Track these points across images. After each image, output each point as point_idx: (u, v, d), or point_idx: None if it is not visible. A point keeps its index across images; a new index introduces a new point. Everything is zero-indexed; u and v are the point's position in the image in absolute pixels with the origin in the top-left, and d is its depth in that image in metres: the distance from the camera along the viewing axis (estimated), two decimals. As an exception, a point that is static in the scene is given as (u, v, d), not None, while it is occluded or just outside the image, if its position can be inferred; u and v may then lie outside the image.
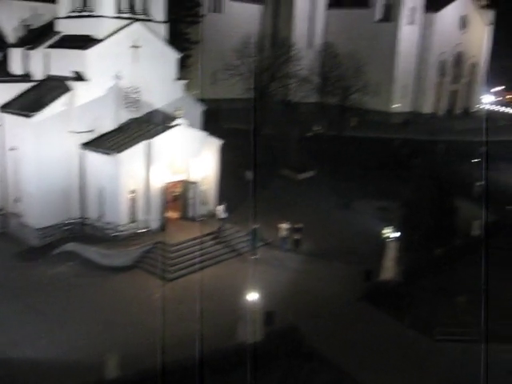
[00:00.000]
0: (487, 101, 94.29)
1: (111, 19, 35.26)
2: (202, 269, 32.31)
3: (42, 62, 36.96)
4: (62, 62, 35.83)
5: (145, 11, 37.29)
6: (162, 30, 38.13)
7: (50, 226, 34.98)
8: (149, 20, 37.27)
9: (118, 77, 35.73)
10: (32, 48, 37.23)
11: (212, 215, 38.14)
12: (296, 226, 36.86)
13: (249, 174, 48.20)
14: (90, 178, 35.26)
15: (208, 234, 35.64)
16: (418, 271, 33.03)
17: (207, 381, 22.60)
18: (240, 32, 74.09)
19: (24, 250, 34.36)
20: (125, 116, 36.77)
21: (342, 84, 68.04)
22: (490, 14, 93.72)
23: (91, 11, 35.57)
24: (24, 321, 26.69)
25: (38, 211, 34.84)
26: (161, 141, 34.46)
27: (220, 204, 37.51)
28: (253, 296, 25.22)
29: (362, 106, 68.23)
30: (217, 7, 80.00)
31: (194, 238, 34.66)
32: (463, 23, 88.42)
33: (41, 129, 33.82)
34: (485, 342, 24.28)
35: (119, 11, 35.68)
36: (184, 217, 37.45)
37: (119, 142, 34.70)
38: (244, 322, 25.53)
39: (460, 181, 47.57)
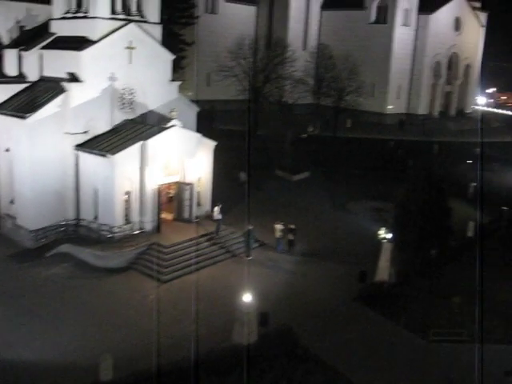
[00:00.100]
0: (481, 102, 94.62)
1: (106, 20, 35.21)
2: (197, 270, 32.33)
3: (36, 63, 36.88)
4: (56, 63, 35.77)
5: (139, 12, 37.28)
6: (157, 31, 38.09)
7: (44, 228, 34.88)
8: (143, 21, 37.24)
9: (112, 78, 35.68)
10: (26, 49, 37.15)
11: (207, 216, 38.13)
12: (289, 226, 36.87)
13: (243, 175, 48.29)
14: (84, 180, 35.19)
15: (203, 236, 35.64)
16: (413, 272, 33.06)
17: (202, 382, 22.59)
18: (235, 33, 74.27)
19: (18, 251, 34.23)
20: (119, 117, 36.73)
21: (336, 85, 68.30)
22: (483, 16, 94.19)
23: (86, 12, 35.52)
24: (18, 322, 26.60)
25: (32, 213, 34.74)
26: (155, 142, 34.42)
27: (215, 205, 37.46)
28: (248, 297, 25.26)
29: (356, 108, 68.51)
30: (211, 8, 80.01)
31: (189, 240, 34.67)
32: (457, 25, 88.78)
33: (35, 130, 33.71)
34: (479, 342, 24.37)
35: (114, 12, 35.65)
36: (179, 218, 37.41)
37: (114, 143, 34.65)
38: (239, 323, 25.54)
39: (455, 182, 47.73)
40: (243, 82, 66.18)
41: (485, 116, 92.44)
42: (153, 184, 35.04)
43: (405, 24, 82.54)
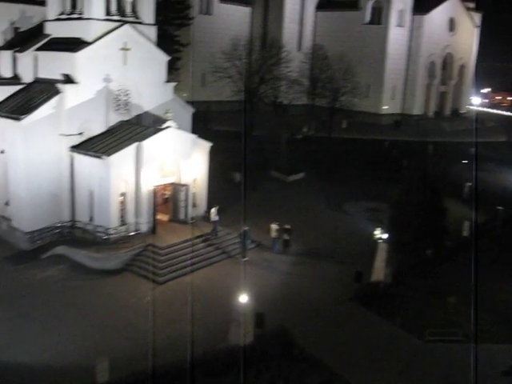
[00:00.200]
0: (476, 102, 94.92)
1: (100, 22, 35.18)
2: (192, 271, 32.31)
3: (31, 65, 36.83)
4: (51, 65, 35.72)
5: (134, 14, 37.26)
6: (152, 32, 38.07)
7: (39, 230, 34.80)
8: (138, 22, 37.22)
9: (107, 79, 35.65)
10: (21, 50, 37.10)
11: (202, 217, 38.12)
12: (285, 226, 36.90)
13: (238, 176, 48.33)
14: (79, 181, 35.14)
15: (199, 237, 35.62)
16: (409, 272, 33.16)
17: (199, 383, 22.59)
18: (229, 34, 74.29)
19: (14, 253, 34.15)
20: (115, 118, 36.70)
21: (331, 86, 68.33)
22: (478, 16, 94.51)
23: (80, 14, 35.48)
24: (14, 324, 26.53)
25: (27, 214, 34.67)
26: (151, 143, 34.41)
27: (212, 207, 37.45)
28: (244, 298, 25.25)
29: (351, 108, 68.58)
30: (206, 9, 80.00)
31: (185, 241, 34.64)
32: (452, 25, 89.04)
33: (30, 132, 33.65)
34: (474, 342, 24.42)
35: (108, 14, 35.63)
36: (174, 219, 37.38)
37: (109, 144, 34.61)
38: (235, 323, 25.54)
39: (450, 182, 47.85)
40: (238, 83, 66.21)
41: (479, 116, 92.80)
42: (148, 185, 35.01)
43: (399, 25, 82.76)
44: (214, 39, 77.82)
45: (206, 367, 23.27)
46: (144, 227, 35.29)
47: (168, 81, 39.89)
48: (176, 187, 37.13)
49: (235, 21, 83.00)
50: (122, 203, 34.52)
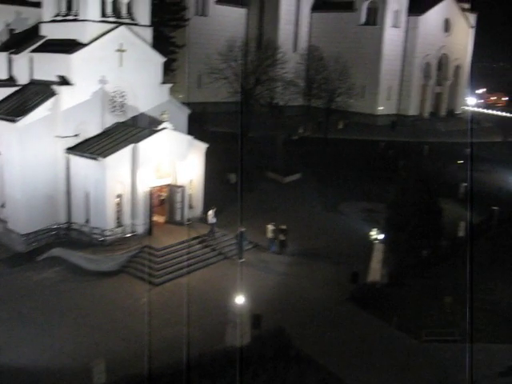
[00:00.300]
0: (471, 103, 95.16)
1: (96, 23, 35.14)
2: (189, 273, 32.30)
3: (26, 67, 36.77)
4: (46, 67, 35.67)
5: (130, 15, 37.23)
6: (148, 33, 38.03)
7: (35, 232, 34.72)
8: (134, 24, 37.19)
9: (103, 81, 35.62)
10: (16, 52, 37.05)
11: (199, 219, 38.12)
12: (281, 227, 36.93)
13: (232, 177, 48.38)
14: (75, 183, 35.08)
15: (195, 238, 35.61)
16: (405, 272, 33.22)
17: (195, 385, 22.59)
18: (225, 35, 74.31)
19: (9, 255, 34.07)
20: (110, 120, 36.66)
21: (327, 87, 68.49)
22: (473, 17, 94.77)
23: (76, 15, 35.42)
24: (10, 327, 26.48)
25: (23, 217, 34.61)
26: (147, 145, 34.39)
27: (208, 208, 37.46)
28: (240, 299, 25.26)
29: (347, 109, 68.73)
30: (202, 11, 80.00)
31: (181, 242, 34.63)
32: (447, 26, 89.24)
33: (26, 133, 33.59)
34: (470, 342, 24.46)
35: (104, 15, 35.59)
36: (171, 221, 37.37)
37: (105, 146, 34.58)
38: (232, 325, 25.53)
39: (445, 182, 47.98)
40: (234, 84, 66.22)
41: (475, 116, 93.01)
42: (144, 187, 34.99)
43: (395, 25, 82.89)
44: (210, 40, 77.82)
45: (202, 369, 23.25)
46: (140, 229, 35.26)
47: (164, 82, 39.87)
48: (172, 188, 37.13)
49: (231, 22, 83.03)
50: (118, 205, 34.49)
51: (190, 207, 37.90)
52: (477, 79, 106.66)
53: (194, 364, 23.21)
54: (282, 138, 57.23)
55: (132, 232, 35.06)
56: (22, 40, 38.06)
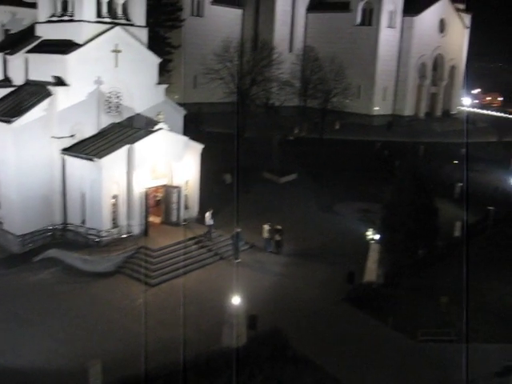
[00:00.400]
0: (467, 103, 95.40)
1: (92, 24, 35.10)
2: (185, 273, 32.29)
3: (22, 67, 36.73)
4: (42, 67, 35.62)
5: (125, 16, 37.21)
6: (143, 34, 38.00)
7: (31, 233, 34.66)
8: (129, 24, 37.16)
9: (98, 81, 35.58)
10: (12, 53, 36.99)
11: (195, 219, 38.10)
12: (276, 227, 36.94)
13: (228, 178, 48.39)
14: (71, 184, 35.04)
15: (191, 239, 35.59)
16: (401, 272, 33.25)
17: (192, 385, 22.58)
18: (221, 36, 74.32)
19: (5, 256, 34.00)
20: (106, 121, 36.62)
21: (322, 87, 68.65)
22: (468, 18, 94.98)
23: (71, 16, 35.39)
24: (6, 328, 26.40)
25: (18, 217, 34.54)
26: (143, 145, 34.36)
27: (204, 208, 37.45)
28: (236, 300, 25.26)
29: (342, 109, 68.84)
30: (197, 11, 79.99)
31: (177, 243, 34.60)
32: (442, 26, 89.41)
33: (21, 134, 33.53)
34: (465, 342, 24.53)
35: (100, 16, 35.54)
36: (167, 221, 37.34)
37: (101, 147, 34.54)
38: (228, 325, 25.53)
39: (441, 182, 48.07)
40: (230, 85, 66.27)
41: (470, 117, 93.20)
42: (140, 187, 34.96)
43: (390, 26, 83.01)
44: (206, 41, 77.80)
45: (198, 369, 23.24)
46: (136, 229, 35.23)
47: (159, 83, 39.85)
48: (168, 189, 37.10)
49: (226, 23, 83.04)
50: (114, 205, 34.46)
51: (186, 208, 37.89)
52: (472, 79, 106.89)
53: (191, 365, 23.20)
54: (278, 138, 57.26)
55: (128, 233, 35.03)
56: (18, 40, 38.00)
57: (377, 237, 32.66)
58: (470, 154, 54.12)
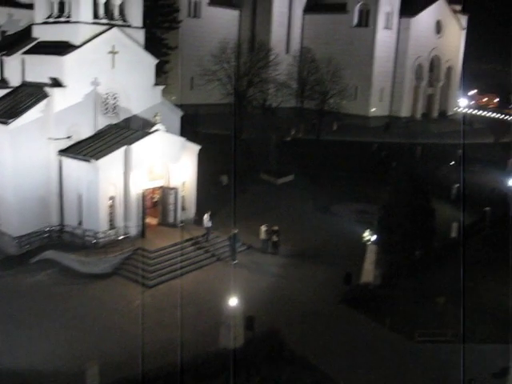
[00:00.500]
0: (463, 104, 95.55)
1: (88, 25, 35.08)
2: (182, 275, 32.26)
3: (18, 68, 36.64)
4: (39, 68, 35.56)
5: (122, 17, 37.21)
6: (140, 35, 38.00)
7: (28, 234, 34.59)
8: (126, 26, 37.15)
9: (95, 83, 35.55)
10: (8, 54, 36.92)
11: (192, 221, 38.08)
12: (273, 228, 36.94)
13: (225, 179, 48.38)
14: (68, 185, 34.99)
15: (188, 240, 35.57)
16: (398, 273, 33.27)
17: (189, 387, 22.56)
18: (218, 37, 74.27)
19: (2, 258, 33.90)
20: (103, 122, 36.59)
21: (319, 88, 68.65)
22: (464, 19, 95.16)
23: (68, 17, 35.37)
24: (2, 330, 26.35)
25: (15, 219, 34.47)
26: (139, 147, 34.34)
27: (201, 210, 37.43)
28: (233, 301, 25.25)
29: (339, 110, 68.89)
30: (194, 12, 79.98)
31: (174, 244, 34.59)
32: (439, 28, 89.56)
33: (18, 136, 33.48)
34: (462, 342, 24.54)
35: (96, 17, 35.53)
36: (164, 223, 37.32)
37: (98, 148, 34.51)
38: (225, 327, 25.52)
39: (438, 183, 48.13)
40: (227, 86, 66.22)
41: (467, 118, 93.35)
42: (137, 189, 34.93)
43: (387, 27, 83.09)
44: (203, 42, 77.79)
45: (196, 371, 23.24)
46: (133, 231, 35.19)
47: (156, 84, 39.83)
48: (165, 190, 37.08)
49: (223, 24, 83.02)
50: (111, 207, 34.43)
51: (183, 209, 37.86)
52: (469, 81, 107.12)
53: (188, 366, 23.20)
54: (275, 139, 57.24)
55: (125, 234, 34.99)
56: (14, 42, 37.95)
57: (374, 238, 32.70)
58: (466, 155, 54.31)
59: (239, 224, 36.01)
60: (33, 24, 37.31)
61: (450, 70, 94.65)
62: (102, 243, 33.95)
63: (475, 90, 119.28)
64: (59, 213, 35.56)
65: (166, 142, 35.92)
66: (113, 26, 36.02)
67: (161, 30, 69.39)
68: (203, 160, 39.18)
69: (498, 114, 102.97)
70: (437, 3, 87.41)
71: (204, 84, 67.83)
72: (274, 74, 70.66)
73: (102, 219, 34.05)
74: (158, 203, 38.00)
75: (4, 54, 37.07)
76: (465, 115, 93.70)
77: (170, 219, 37.15)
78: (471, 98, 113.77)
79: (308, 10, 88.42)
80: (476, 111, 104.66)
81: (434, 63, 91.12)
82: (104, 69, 35.89)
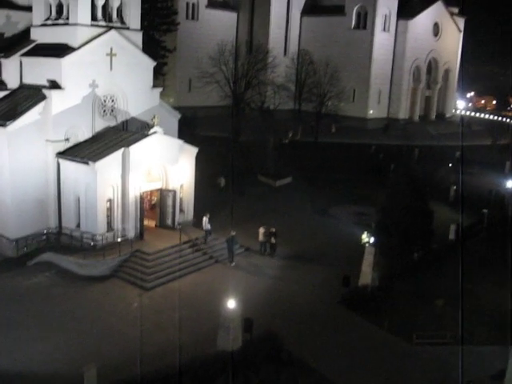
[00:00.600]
0: (461, 106, 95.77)
1: (86, 27, 35.06)
2: (180, 277, 32.24)
3: (16, 71, 36.58)
4: (37, 71, 35.53)
5: (120, 19, 37.20)
6: (138, 37, 38.00)
7: (25, 237, 34.50)
8: (124, 28, 37.16)
9: (93, 85, 35.54)
10: (6, 56, 36.89)
11: (191, 223, 38.07)
12: (271, 230, 36.94)
13: (222, 181, 48.39)
14: (66, 187, 34.94)
15: (186, 242, 35.55)
16: (396, 275, 33.29)
17: (187, 389, 22.53)
18: (216, 39, 74.38)
19: (0, 260, 33.88)
20: (101, 124, 36.55)
21: (317, 91, 68.84)
22: (461, 21, 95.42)
23: (66, 19, 35.36)
24: (0, 332, 26.28)
25: (13, 221, 34.40)
26: (137, 149, 34.31)
27: (199, 212, 37.42)
28: (232, 303, 25.23)
29: (337, 113, 69.02)
30: (192, 15, 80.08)
31: (172, 246, 34.56)
32: (436, 30, 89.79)
33: (16, 138, 33.42)
34: (461, 344, 24.55)
35: (94, 19, 35.52)
36: (162, 225, 37.28)
37: (96, 150, 34.48)
38: (223, 329, 25.50)
39: (436, 185, 48.20)
40: (225, 88, 66.31)
41: (465, 120, 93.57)
42: (135, 191, 34.90)
43: (384, 29, 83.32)
44: (201, 44, 77.95)
45: (194, 373, 23.18)
46: (131, 233, 35.16)
47: (154, 86, 39.86)
48: (163, 193, 37.06)
49: (221, 26, 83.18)
50: (109, 209, 34.38)
51: (181, 211, 37.85)
52: (466, 83, 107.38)
53: (186, 368, 23.14)
54: (273, 141, 57.30)
55: (123, 236, 34.95)
56: (12, 44, 37.86)
57: (372, 240, 32.70)
58: (464, 157, 54.36)
59: (237, 226, 36.02)
60: (31, 26, 37.27)
61: (447, 72, 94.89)
62: (100, 245, 33.90)
63: (473, 92, 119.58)
64: (57, 215, 35.50)
65: (164, 144, 35.91)
66: (111, 28, 36.02)
67: (159, 32, 69.48)
68: (201, 162, 39.19)
69: (496, 116, 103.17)
70: (434, 6, 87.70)
71: (202, 86, 67.94)
72: (271, 76, 70.87)
73: (100, 221, 34.00)
74: (156, 205, 37.98)
75: (2, 56, 37.02)
76: (463, 117, 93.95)
77: (168, 221, 37.12)
78: (469, 100, 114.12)
79: (306, 12, 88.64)
80: (474, 113, 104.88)
81: (432, 65, 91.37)
82: (102, 71, 35.89)
